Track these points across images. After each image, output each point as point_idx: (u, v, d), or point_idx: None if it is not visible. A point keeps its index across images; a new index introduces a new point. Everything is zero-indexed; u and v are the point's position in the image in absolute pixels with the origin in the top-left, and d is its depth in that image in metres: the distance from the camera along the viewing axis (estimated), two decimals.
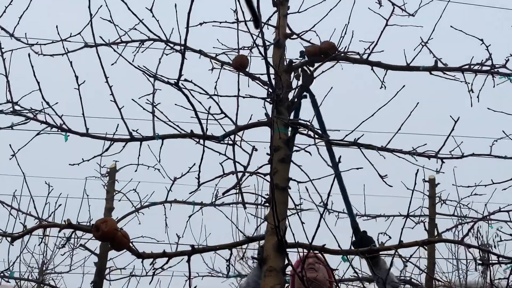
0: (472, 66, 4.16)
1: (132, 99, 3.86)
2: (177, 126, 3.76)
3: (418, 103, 3.91)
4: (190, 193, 3.64)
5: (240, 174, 3.55)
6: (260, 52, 3.48)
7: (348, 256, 3.27)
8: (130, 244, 3.14)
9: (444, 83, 4.21)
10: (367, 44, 4.24)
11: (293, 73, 4.19)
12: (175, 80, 3.35)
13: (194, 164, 3.94)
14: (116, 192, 6.32)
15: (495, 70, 4.13)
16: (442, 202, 6.78)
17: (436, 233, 6.48)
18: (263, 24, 4.05)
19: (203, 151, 3.50)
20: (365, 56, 4.22)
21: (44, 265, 9.03)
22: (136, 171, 3.99)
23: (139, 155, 3.81)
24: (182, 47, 3.53)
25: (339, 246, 3.06)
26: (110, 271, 5.98)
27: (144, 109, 3.86)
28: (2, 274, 5.77)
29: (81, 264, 7.46)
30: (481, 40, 4.21)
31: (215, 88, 4.27)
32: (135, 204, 6.16)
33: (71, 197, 6.39)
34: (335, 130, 3.98)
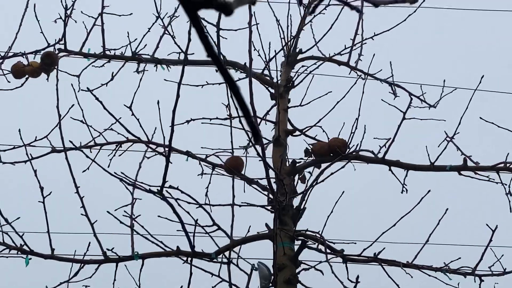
0: (508, 165, 4.14)
1: (108, 212, 3.81)
2: (161, 242, 3.68)
3: (447, 209, 3.86)
4: None
5: None
6: (258, 153, 3.46)
7: None
8: None
9: (476, 184, 4.18)
10: (382, 141, 4.24)
11: (297, 176, 4.16)
12: (158, 188, 3.32)
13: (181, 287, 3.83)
14: None
15: None
16: None
17: None
18: (259, 121, 4.08)
19: (191, 273, 3.40)
20: (381, 155, 4.21)
21: None
22: None
23: (115, 279, 3.70)
24: (167, 149, 3.52)
25: None
26: None
27: (121, 222, 3.80)
28: None
29: None
30: None
31: (206, 195, 4.23)
32: None
33: None
34: (351, 243, 3.90)
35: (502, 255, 3.87)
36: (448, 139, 4.24)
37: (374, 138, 4.32)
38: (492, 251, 3.79)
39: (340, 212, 3.88)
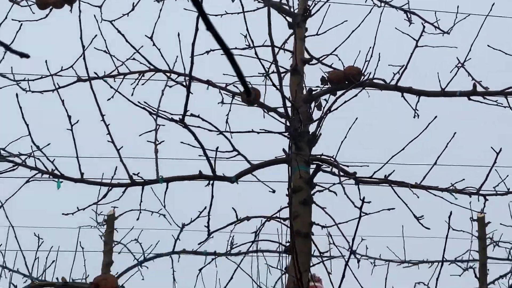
0: None
1: (138, 135, 4.01)
2: (183, 167, 3.89)
3: (455, 133, 4.01)
4: (199, 244, 3.75)
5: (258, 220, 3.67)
6: (273, 84, 3.62)
7: None
8: None
9: (485, 109, 4.31)
10: (396, 68, 4.37)
11: (313, 103, 4.32)
12: (180, 116, 3.50)
13: (205, 208, 4.07)
14: (115, 243, 6.40)
15: None
16: (494, 244, 6.78)
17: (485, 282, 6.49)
18: (277, 50, 4.20)
19: (212, 196, 3.62)
20: (394, 82, 4.34)
21: None
22: (138, 219, 4.11)
23: (141, 201, 3.93)
24: (187, 78, 3.68)
25: None
26: None
27: (148, 142, 3.99)
28: None
29: None
30: None
31: (227, 122, 4.42)
32: (138, 256, 6.25)
33: (63, 250, 6.52)
34: (364, 166, 4.07)
35: (507, 175, 4.04)
36: (459, 65, 4.36)
37: (388, 65, 4.44)
38: (497, 172, 3.95)
39: (354, 138, 4.05)
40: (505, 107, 4.26)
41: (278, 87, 3.69)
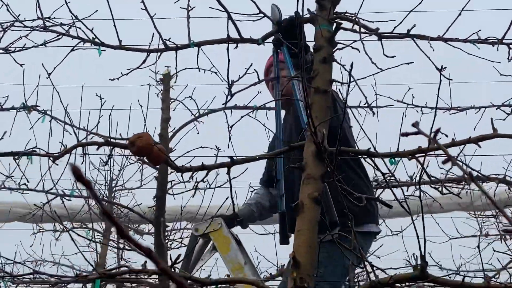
0: None
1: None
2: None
3: None
4: (222, 104, 4.03)
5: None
6: None
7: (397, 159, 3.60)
8: (167, 158, 3.62)
9: None
10: None
11: None
12: None
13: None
14: (172, 100, 6.77)
15: None
16: None
17: None
18: None
19: (229, 59, 3.86)
20: None
21: (113, 182, 9.87)
22: (175, 81, 4.39)
23: (176, 64, 4.21)
24: None
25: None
26: (172, 185, 6.56)
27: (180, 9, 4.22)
28: (62, 193, 6.50)
29: (152, 179, 8.06)
30: None
31: None
32: (192, 112, 6.64)
33: (124, 109, 6.99)
34: (390, 21, 4.15)
35: None
36: None
37: None
38: None
39: None
40: None
41: None
